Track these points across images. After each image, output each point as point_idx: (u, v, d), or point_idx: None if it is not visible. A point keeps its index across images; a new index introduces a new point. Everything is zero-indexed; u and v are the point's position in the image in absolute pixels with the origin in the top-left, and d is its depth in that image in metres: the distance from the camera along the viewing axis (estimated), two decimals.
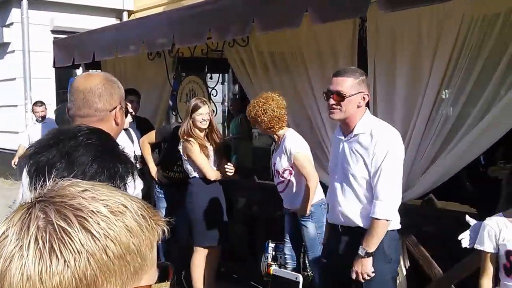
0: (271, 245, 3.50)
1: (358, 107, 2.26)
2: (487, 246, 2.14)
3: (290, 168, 3.17)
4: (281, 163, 3.19)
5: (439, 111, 2.82)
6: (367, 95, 2.29)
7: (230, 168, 3.63)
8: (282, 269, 3.14)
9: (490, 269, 2.16)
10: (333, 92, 2.25)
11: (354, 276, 2.31)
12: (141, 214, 0.62)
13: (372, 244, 2.25)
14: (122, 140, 3.12)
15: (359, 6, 2.50)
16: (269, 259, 3.49)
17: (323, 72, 3.43)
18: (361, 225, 2.33)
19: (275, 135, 3.26)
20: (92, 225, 0.57)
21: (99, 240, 0.57)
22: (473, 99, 2.71)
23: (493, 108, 2.64)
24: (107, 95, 1.59)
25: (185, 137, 3.64)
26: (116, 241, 0.58)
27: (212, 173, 3.69)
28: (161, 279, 0.66)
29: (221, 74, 5.68)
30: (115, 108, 1.61)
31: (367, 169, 2.25)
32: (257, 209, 4.18)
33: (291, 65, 3.75)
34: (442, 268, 2.85)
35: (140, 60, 5.04)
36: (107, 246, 0.57)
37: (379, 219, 2.22)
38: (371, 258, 2.27)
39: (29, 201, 0.60)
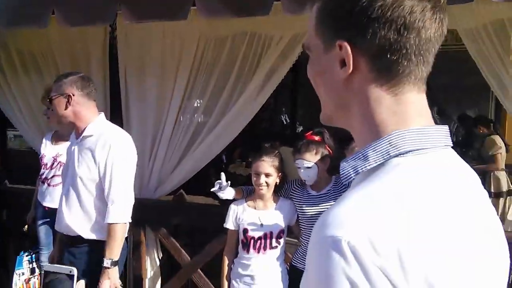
0: (26, 258, 3.23)
1: (67, 107, 2.27)
2: (230, 224, 2.59)
3: None
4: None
5: (183, 118, 3.17)
6: (70, 95, 2.26)
7: None
8: (54, 265, 2.88)
9: (231, 244, 2.63)
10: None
11: None
12: None
13: (115, 251, 2.23)
14: None
15: (106, 16, 2.60)
16: (28, 273, 3.21)
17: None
18: (83, 235, 2.31)
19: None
20: None
21: None
22: (210, 108, 3.15)
23: (226, 115, 3.13)
24: None
25: None
26: None
27: None
28: None
29: None
30: None
31: (97, 171, 2.25)
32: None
33: (42, 65, 3.58)
34: (191, 255, 3.22)
35: None
36: None
37: (117, 223, 2.23)
38: (117, 267, 2.25)
39: None
